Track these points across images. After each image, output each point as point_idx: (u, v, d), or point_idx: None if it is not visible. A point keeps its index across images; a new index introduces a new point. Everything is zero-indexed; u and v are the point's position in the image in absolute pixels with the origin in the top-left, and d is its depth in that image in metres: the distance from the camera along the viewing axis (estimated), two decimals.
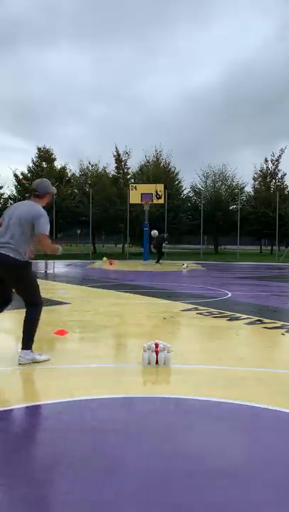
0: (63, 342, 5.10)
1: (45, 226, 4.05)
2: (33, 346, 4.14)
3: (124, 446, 2.47)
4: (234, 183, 40.89)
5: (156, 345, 4.08)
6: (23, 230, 4.02)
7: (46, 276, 15.10)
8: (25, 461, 2.30)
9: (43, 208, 4.22)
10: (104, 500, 1.93)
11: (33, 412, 2.96)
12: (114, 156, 39.58)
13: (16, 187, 37.73)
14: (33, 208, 4.12)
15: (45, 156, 38.89)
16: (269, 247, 47.05)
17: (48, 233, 4.12)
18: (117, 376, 3.78)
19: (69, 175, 40.04)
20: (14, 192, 37.71)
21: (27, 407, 3.01)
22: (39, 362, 4.10)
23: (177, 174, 39.98)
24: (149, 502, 1.93)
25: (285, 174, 40.67)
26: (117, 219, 35.09)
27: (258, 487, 2.06)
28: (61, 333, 5.40)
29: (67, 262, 23.42)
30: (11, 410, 2.96)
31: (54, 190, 4.47)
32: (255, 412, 2.98)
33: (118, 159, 39.57)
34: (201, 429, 2.73)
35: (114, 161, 39.82)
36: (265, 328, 5.95)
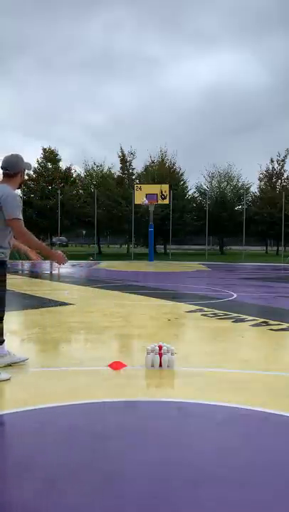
0: (67, 344, 5.05)
1: (14, 208, 3.39)
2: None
3: (127, 450, 2.40)
4: (240, 184, 40.76)
5: (160, 347, 4.01)
6: None
7: (51, 276, 15.07)
8: (25, 467, 2.24)
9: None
10: (106, 505, 1.87)
11: (34, 415, 2.90)
12: (120, 156, 39.63)
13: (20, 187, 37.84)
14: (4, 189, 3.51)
15: (50, 156, 38.97)
16: (275, 248, 46.85)
17: (20, 217, 3.45)
18: (120, 379, 3.72)
19: (74, 175, 40.12)
20: (19, 192, 37.85)
21: (28, 411, 2.96)
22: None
23: (182, 175, 39.91)
24: (152, 506, 1.87)
25: None
26: (122, 219, 35.10)
27: (265, 495, 1.99)
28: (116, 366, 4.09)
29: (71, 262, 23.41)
30: (11, 414, 2.91)
31: (29, 165, 3.74)
32: (262, 417, 2.91)
33: (123, 160, 39.62)
34: (206, 433, 2.67)
35: (119, 162, 39.90)
36: (271, 330, 5.87)
